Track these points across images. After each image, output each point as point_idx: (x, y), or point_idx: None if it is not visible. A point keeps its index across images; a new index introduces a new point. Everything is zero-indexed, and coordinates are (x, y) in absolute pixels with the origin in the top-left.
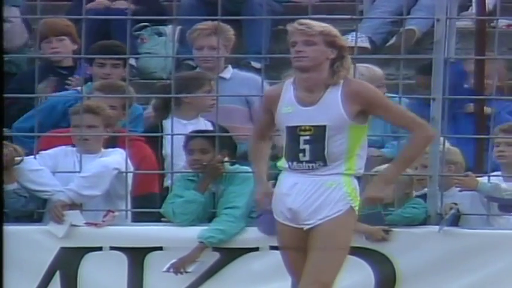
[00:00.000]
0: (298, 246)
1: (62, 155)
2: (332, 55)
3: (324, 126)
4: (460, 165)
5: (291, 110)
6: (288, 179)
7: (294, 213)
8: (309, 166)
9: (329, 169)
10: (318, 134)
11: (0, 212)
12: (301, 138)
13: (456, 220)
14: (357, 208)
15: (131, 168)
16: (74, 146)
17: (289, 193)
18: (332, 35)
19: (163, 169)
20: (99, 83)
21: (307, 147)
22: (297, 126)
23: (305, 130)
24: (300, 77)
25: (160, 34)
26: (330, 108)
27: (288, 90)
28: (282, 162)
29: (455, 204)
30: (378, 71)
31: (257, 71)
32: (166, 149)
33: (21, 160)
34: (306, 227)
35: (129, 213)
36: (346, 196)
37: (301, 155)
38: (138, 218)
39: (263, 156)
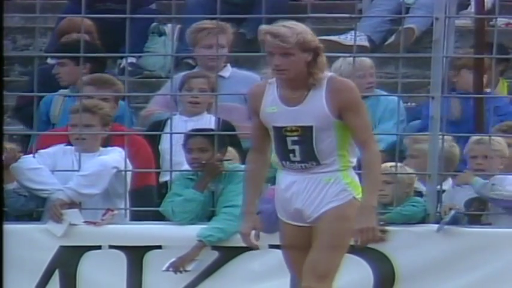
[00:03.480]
0: (302, 244)
1: (60, 153)
2: (309, 58)
3: (311, 127)
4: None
5: (275, 109)
6: (285, 178)
7: (298, 212)
8: (301, 166)
9: (323, 167)
10: (306, 134)
11: (1, 211)
12: (289, 139)
13: (457, 221)
14: (359, 197)
15: (130, 166)
16: (70, 144)
17: (289, 192)
18: (307, 41)
19: (159, 164)
20: (89, 77)
21: (296, 147)
22: (282, 127)
23: (292, 131)
24: (282, 80)
25: (160, 34)
26: (315, 108)
27: (271, 88)
28: (275, 159)
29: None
30: (365, 60)
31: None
32: (163, 144)
33: (18, 158)
34: (310, 222)
35: (128, 211)
36: (346, 187)
37: (291, 155)
38: (136, 214)
39: (258, 182)
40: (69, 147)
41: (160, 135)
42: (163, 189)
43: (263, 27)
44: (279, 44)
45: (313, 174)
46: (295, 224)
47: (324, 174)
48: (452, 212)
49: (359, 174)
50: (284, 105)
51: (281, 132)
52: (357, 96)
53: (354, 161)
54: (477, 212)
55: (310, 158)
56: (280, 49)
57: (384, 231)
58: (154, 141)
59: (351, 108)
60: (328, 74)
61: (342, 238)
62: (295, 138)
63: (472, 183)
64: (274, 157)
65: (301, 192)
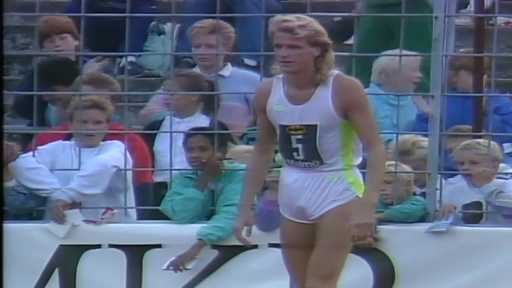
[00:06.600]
0: (302, 242)
1: (59, 149)
2: (316, 53)
3: (315, 126)
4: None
5: (282, 108)
6: (290, 174)
7: (301, 210)
8: (305, 165)
9: (326, 166)
10: (310, 133)
11: (1, 210)
12: (293, 138)
13: (458, 222)
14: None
15: (130, 163)
16: (66, 140)
17: (292, 188)
18: (316, 36)
19: (153, 165)
20: (86, 75)
21: (300, 146)
22: (287, 126)
23: (296, 129)
24: (288, 76)
25: (160, 33)
26: (320, 106)
27: (278, 86)
28: (280, 157)
29: (455, 207)
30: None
31: (250, 68)
32: (157, 146)
33: (17, 156)
34: (313, 220)
35: (130, 209)
36: (349, 187)
37: (295, 153)
38: (137, 211)
39: (257, 181)
40: (68, 142)
41: (154, 136)
42: (161, 189)
43: (275, 18)
44: (287, 35)
45: (316, 173)
46: (298, 221)
47: (328, 172)
48: (451, 216)
49: (363, 174)
50: (290, 103)
51: (286, 131)
52: (363, 95)
53: (358, 160)
54: (475, 214)
55: (313, 157)
56: (288, 40)
57: (376, 239)
58: (150, 141)
59: (358, 107)
60: (335, 72)
61: (346, 237)
62: (300, 136)
63: (482, 188)
64: (279, 155)
65: (304, 189)
